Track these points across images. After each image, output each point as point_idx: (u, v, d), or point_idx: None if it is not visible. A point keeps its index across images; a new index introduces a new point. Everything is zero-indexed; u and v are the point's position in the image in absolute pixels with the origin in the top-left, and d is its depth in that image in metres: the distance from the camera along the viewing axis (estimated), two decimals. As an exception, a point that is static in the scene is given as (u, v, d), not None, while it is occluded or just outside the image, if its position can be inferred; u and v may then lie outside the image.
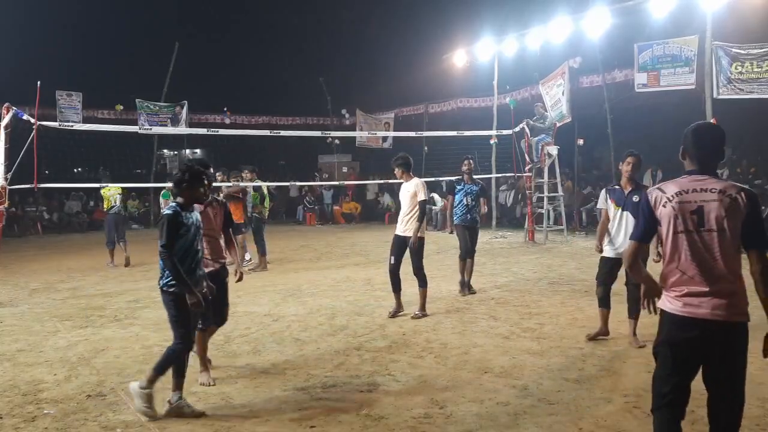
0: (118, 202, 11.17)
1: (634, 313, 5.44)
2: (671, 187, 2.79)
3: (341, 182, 20.28)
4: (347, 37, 27.01)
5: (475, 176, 8.31)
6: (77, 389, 4.58)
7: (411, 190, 6.68)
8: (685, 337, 2.67)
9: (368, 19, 26.51)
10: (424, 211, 6.62)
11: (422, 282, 6.73)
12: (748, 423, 3.80)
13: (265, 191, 10.75)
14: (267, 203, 10.70)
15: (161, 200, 12.42)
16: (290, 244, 13.94)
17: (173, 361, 4.08)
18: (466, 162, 8.18)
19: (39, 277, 10.07)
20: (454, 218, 8.08)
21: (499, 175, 15.62)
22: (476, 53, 15.89)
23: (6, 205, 8.23)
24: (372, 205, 22.78)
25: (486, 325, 6.30)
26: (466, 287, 7.94)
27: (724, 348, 2.65)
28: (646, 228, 2.86)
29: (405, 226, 6.69)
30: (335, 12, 27.01)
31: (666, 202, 2.76)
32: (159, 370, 4.04)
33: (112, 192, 11.12)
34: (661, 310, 2.80)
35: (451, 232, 8.25)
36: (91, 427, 3.91)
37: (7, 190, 8.05)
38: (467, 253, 7.95)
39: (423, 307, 6.73)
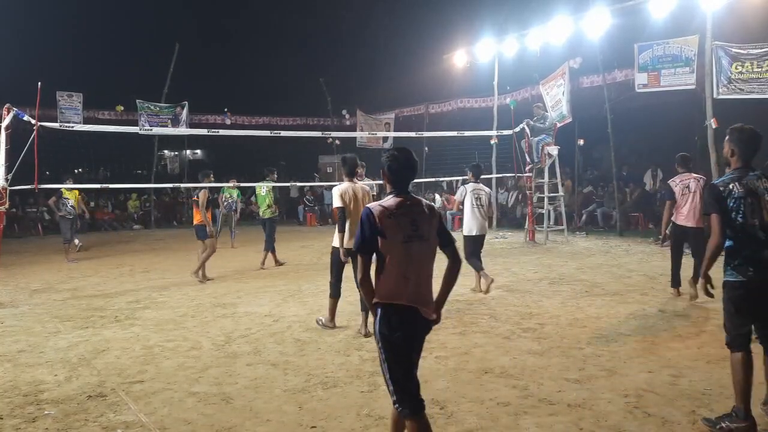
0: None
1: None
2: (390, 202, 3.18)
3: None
4: (347, 37, 27.04)
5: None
6: (78, 390, 4.59)
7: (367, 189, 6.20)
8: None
9: (368, 19, 26.54)
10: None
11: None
12: (748, 423, 3.80)
13: (263, 192, 10.87)
14: (261, 201, 10.88)
15: (231, 195, 13.66)
16: (291, 245, 13.94)
17: None
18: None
19: (39, 277, 10.07)
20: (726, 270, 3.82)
21: (500, 175, 15.62)
22: (476, 53, 15.90)
23: (6, 205, 8.22)
24: (372, 205, 22.75)
25: (486, 325, 6.30)
26: None
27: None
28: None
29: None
30: (335, 12, 27.04)
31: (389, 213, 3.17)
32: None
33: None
34: None
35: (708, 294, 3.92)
36: (91, 428, 3.92)
37: (7, 191, 8.05)
38: None
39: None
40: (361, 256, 3.08)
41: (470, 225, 7.93)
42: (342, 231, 5.98)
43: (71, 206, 12.20)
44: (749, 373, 3.63)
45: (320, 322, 6.38)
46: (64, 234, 12.13)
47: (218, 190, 13.17)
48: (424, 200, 3.26)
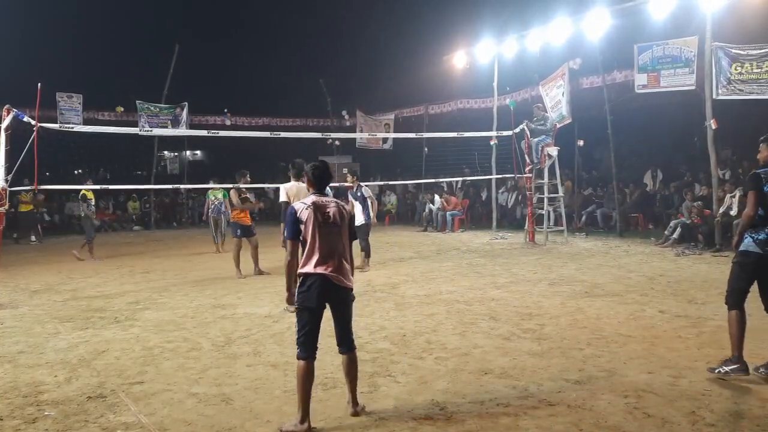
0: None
1: None
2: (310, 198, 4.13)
3: (341, 183, 20.25)
4: (347, 37, 27.04)
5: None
6: (78, 391, 4.59)
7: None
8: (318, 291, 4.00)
9: (368, 19, 26.54)
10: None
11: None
12: (748, 423, 3.80)
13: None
14: None
15: (217, 198, 13.77)
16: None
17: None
18: None
19: (39, 278, 10.07)
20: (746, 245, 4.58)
21: (500, 176, 15.63)
22: (476, 54, 15.91)
23: (6, 206, 8.22)
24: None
25: (486, 326, 6.30)
26: None
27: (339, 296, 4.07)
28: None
29: None
30: (335, 12, 27.04)
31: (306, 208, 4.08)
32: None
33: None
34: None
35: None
36: (91, 429, 3.92)
37: (7, 192, 8.05)
38: None
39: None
40: (290, 241, 4.04)
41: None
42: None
43: (93, 206, 12.62)
44: (742, 327, 4.48)
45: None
46: (89, 234, 12.35)
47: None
48: (338, 201, 4.25)
